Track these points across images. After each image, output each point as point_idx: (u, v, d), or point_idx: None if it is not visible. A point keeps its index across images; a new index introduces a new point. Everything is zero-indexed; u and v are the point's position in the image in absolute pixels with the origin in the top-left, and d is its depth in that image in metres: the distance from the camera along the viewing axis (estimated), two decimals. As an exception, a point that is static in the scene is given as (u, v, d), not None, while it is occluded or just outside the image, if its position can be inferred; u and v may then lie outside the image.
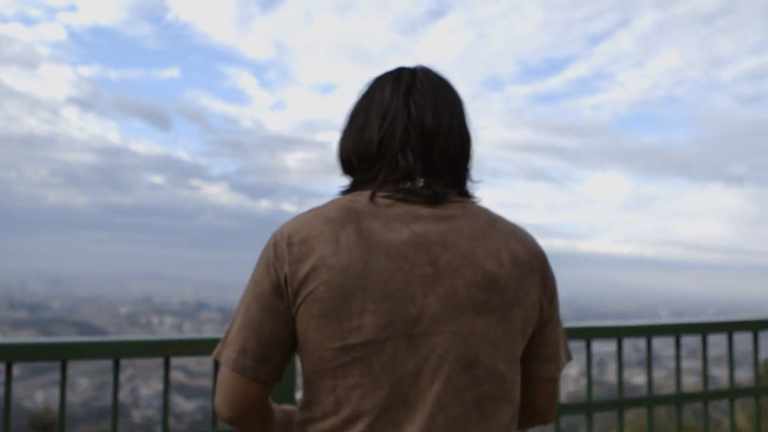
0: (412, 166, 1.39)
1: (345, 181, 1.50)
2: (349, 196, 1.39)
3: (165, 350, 2.18)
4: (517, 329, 1.35)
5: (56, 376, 2.10)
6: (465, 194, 1.46)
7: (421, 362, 1.28)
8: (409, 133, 1.40)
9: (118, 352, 2.14)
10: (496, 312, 1.32)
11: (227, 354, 1.36)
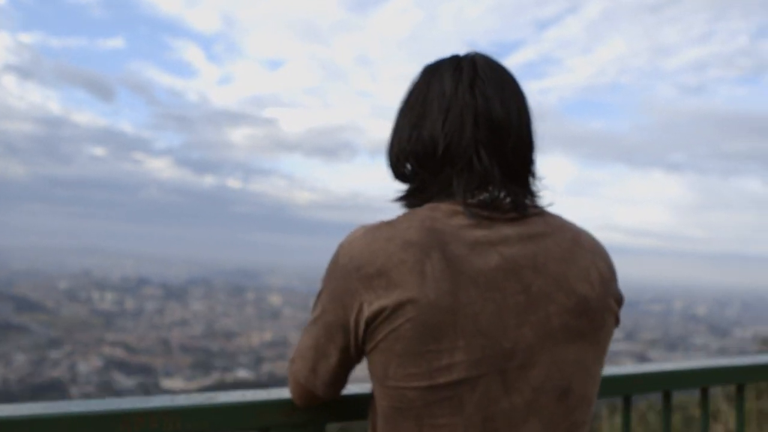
0: (489, 169, 1.25)
1: (397, 186, 1.37)
2: (425, 211, 1.24)
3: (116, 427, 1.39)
4: (603, 350, 1.30)
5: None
6: (534, 195, 1.33)
7: (515, 398, 1.19)
8: (479, 128, 1.26)
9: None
10: (586, 337, 1.25)
11: (298, 367, 1.35)
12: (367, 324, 1.19)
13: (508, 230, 1.23)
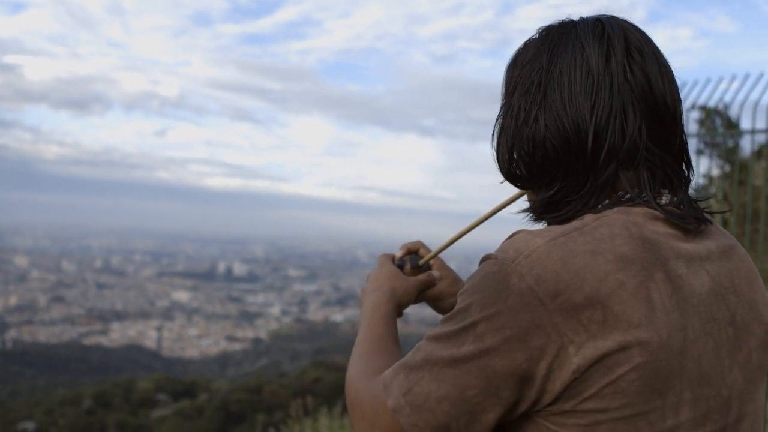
0: (662, 168, 0.97)
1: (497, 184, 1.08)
2: (620, 215, 0.93)
3: None
4: None
5: None
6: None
7: None
8: (643, 115, 0.95)
9: None
10: (765, 376, 1.01)
11: (415, 421, 0.90)
12: (575, 375, 0.84)
13: (708, 243, 0.98)
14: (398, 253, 1.42)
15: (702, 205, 1.02)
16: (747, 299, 0.97)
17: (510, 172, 1.05)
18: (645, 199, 0.95)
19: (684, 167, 1.02)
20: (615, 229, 0.90)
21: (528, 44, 1.04)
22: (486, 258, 0.93)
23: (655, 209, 0.94)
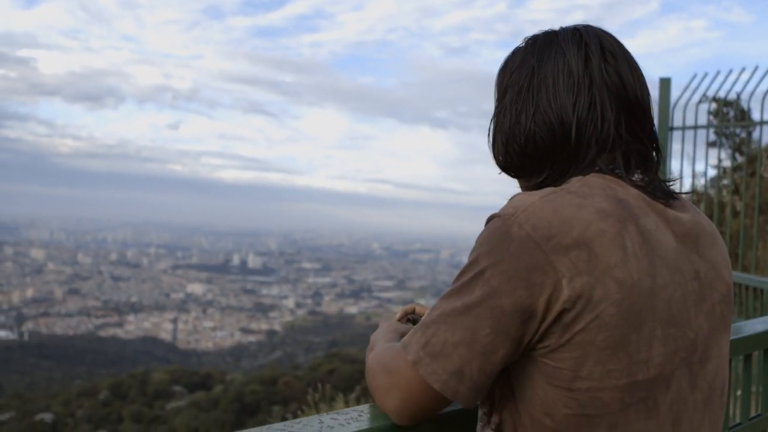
0: (632, 154, 1.14)
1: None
2: (597, 179, 1.09)
3: None
4: None
5: None
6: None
7: (697, 395, 1.09)
8: (617, 109, 1.14)
9: None
10: (729, 328, 1.18)
11: (433, 369, 1.04)
12: (565, 308, 0.99)
13: (674, 213, 1.13)
14: (397, 317, 1.53)
15: (670, 184, 1.19)
16: (710, 260, 1.13)
17: (505, 164, 1.21)
18: (618, 174, 1.11)
19: (654, 153, 1.19)
20: (594, 189, 1.06)
21: (516, 52, 1.22)
22: (491, 218, 1.07)
23: (626, 181, 1.10)
